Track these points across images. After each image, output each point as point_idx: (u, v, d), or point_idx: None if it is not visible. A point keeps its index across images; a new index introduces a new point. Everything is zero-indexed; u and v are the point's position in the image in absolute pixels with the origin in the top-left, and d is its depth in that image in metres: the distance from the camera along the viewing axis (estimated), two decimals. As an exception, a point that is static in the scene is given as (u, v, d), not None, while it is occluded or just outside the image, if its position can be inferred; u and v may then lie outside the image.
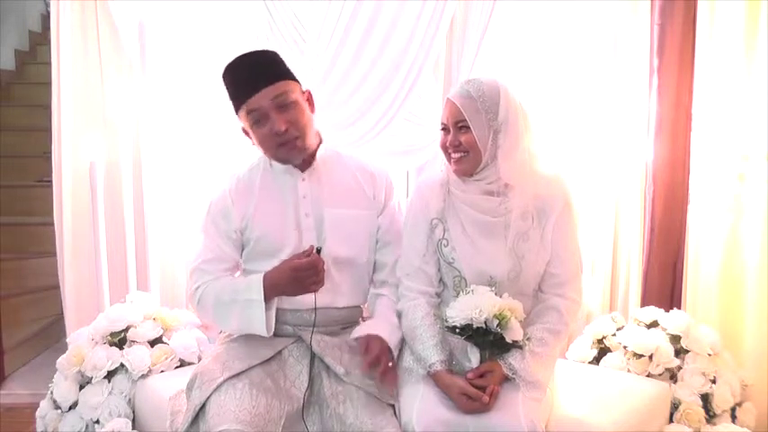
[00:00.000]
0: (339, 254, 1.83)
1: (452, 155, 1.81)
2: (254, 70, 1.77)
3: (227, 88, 1.80)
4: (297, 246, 1.82)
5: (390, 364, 1.73)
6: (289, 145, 1.78)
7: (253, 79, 1.75)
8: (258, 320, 1.74)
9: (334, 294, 1.85)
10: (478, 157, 1.78)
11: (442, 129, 1.83)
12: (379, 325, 1.82)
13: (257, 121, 1.76)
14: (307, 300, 1.78)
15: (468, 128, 1.76)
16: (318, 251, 1.72)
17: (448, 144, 1.80)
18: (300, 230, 1.83)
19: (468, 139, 1.76)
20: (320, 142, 1.88)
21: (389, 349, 1.77)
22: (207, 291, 1.82)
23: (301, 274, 1.71)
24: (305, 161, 1.86)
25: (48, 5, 4.38)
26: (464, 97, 1.76)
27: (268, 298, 1.74)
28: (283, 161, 1.84)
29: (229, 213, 1.85)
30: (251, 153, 1.93)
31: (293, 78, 1.82)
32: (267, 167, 1.89)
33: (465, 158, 1.79)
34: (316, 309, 1.78)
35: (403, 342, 1.84)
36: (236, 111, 1.80)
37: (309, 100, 1.85)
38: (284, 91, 1.76)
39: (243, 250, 1.88)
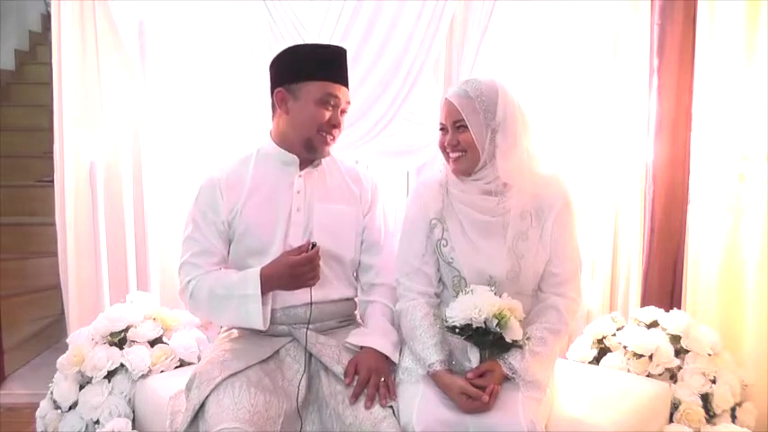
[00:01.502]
0: (326, 249, 1.84)
1: (450, 154, 1.81)
2: (345, 63, 1.88)
3: (314, 57, 1.84)
4: (283, 240, 1.83)
5: (383, 379, 1.73)
6: (326, 139, 1.86)
7: (346, 73, 1.88)
8: (254, 315, 1.74)
9: (326, 288, 1.86)
10: (476, 156, 1.78)
11: (441, 129, 1.84)
12: (372, 335, 1.82)
13: (326, 103, 1.82)
14: (300, 296, 1.78)
15: (465, 127, 1.76)
16: (313, 246, 1.72)
17: (446, 144, 1.81)
18: (289, 225, 1.85)
19: (466, 139, 1.77)
20: None
21: (385, 357, 1.78)
22: (199, 285, 1.82)
23: (298, 270, 1.72)
24: (306, 159, 1.89)
25: (48, 5, 4.39)
26: (462, 97, 1.77)
27: (264, 292, 1.75)
28: (307, 147, 1.86)
29: (218, 204, 1.86)
30: (251, 152, 1.94)
31: None
32: (261, 160, 1.91)
33: (463, 158, 1.79)
34: (312, 303, 1.79)
35: (403, 342, 1.84)
36: (307, 78, 1.82)
37: None
38: (350, 102, 1.90)
39: (230, 246, 1.89)
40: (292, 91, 1.83)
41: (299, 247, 1.75)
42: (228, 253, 1.89)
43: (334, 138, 1.87)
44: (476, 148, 1.77)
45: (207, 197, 1.88)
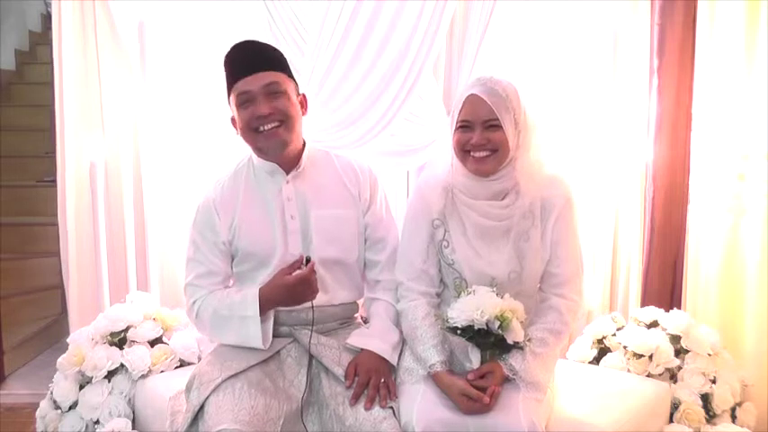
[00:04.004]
0: (328, 255, 1.84)
1: (474, 153, 1.76)
2: (252, 54, 1.80)
3: (225, 69, 1.81)
4: (284, 250, 1.82)
5: (383, 380, 1.73)
6: (268, 132, 1.78)
7: (248, 62, 1.78)
8: (254, 336, 1.76)
9: (328, 294, 1.85)
10: (505, 156, 1.76)
11: (462, 126, 1.77)
12: (372, 337, 1.82)
13: (243, 103, 1.77)
14: None
15: (497, 126, 1.73)
16: (308, 261, 1.73)
17: (473, 142, 1.75)
18: (287, 233, 1.83)
19: (498, 138, 1.73)
20: (304, 145, 1.90)
21: (385, 360, 1.78)
22: (203, 306, 1.83)
23: (295, 290, 1.74)
24: (289, 163, 1.86)
25: (48, 5, 4.39)
26: (493, 95, 1.72)
27: (263, 311, 1.76)
28: (263, 151, 1.82)
29: (215, 225, 1.85)
30: (244, 162, 1.94)
31: (290, 76, 1.85)
32: (251, 171, 1.89)
33: (491, 157, 1.76)
34: (313, 307, 1.79)
35: (404, 342, 1.84)
36: (228, 94, 1.81)
37: (303, 102, 1.87)
38: (276, 81, 1.78)
39: (233, 260, 1.88)
40: (230, 107, 1.83)
41: (293, 264, 1.76)
42: (232, 268, 1.89)
43: (273, 125, 1.77)
44: (506, 148, 1.74)
45: (204, 218, 1.87)
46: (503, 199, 1.81)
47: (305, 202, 1.85)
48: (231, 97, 1.81)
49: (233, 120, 1.85)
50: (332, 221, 1.86)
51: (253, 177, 1.88)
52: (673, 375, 2.14)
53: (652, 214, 2.54)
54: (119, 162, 2.55)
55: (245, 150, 1.94)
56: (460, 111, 1.77)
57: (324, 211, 1.86)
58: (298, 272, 1.73)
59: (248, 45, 1.81)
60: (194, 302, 1.85)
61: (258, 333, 1.75)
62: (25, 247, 3.96)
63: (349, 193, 1.91)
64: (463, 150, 1.78)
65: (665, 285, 2.56)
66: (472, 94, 1.75)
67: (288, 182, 1.85)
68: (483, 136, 1.74)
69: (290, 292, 1.74)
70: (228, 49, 1.81)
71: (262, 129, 1.77)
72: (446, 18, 2.40)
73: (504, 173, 1.79)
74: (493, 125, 1.73)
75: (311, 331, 1.79)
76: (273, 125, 1.77)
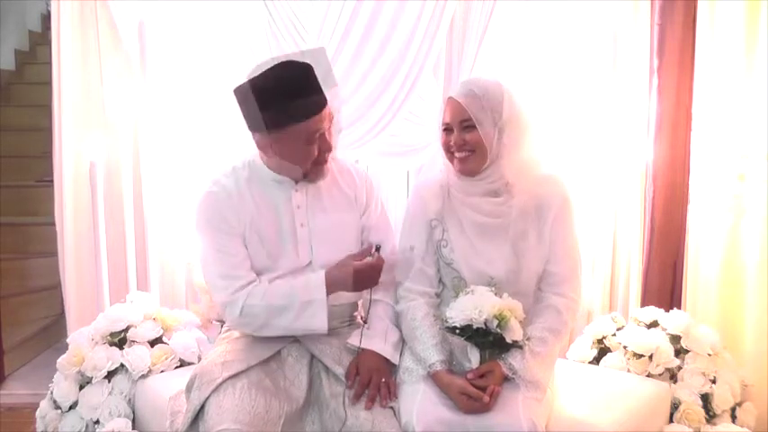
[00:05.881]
0: (330, 258, 1.82)
1: (456, 154, 1.80)
2: (311, 87, 1.71)
3: (281, 98, 1.68)
4: (294, 256, 1.82)
5: (384, 380, 1.73)
6: (322, 167, 1.80)
7: (314, 98, 1.71)
8: (318, 319, 1.74)
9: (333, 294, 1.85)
10: (484, 155, 1.77)
11: (445, 129, 1.82)
12: (373, 337, 1.82)
13: (312, 141, 1.73)
14: None
15: (473, 127, 1.75)
16: (377, 249, 1.75)
17: (452, 143, 1.79)
18: (297, 241, 1.82)
19: (474, 138, 1.76)
20: None
21: (386, 360, 1.78)
22: (250, 300, 1.74)
23: (362, 276, 1.75)
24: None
25: (48, 5, 4.39)
26: (468, 96, 1.75)
27: (328, 295, 1.76)
28: (307, 175, 1.81)
29: (225, 214, 1.80)
30: (249, 152, 1.93)
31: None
32: (254, 178, 1.85)
33: (471, 158, 1.78)
34: (370, 301, 1.82)
35: (403, 342, 1.84)
36: (284, 125, 1.69)
37: None
38: (332, 112, 1.78)
39: None
40: (271, 135, 1.72)
41: (362, 251, 1.77)
42: None
43: (328, 159, 1.80)
44: (484, 147, 1.76)
45: (215, 211, 1.80)
46: (497, 197, 1.82)
47: (312, 210, 1.85)
48: (289, 130, 1.70)
49: (259, 141, 1.76)
50: (333, 225, 1.86)
51: (258, 183, 1.84)
52: (673, 375, 2.14)
53: (652, 214, 2.54)
54: (119, 162, 2.56)
55: (245, 150, 1.94)
56: (443, 114, 1.82)
57: (326, 216, 1.85)
58: (368, 259, 1.75)
59: (300, 77, 1.70)
60: (234, 294, 1.75)
61: (324, 317, 1.74)
62: (25, 247, 3.97)
63: (346, 197, 1.90)
64: (448, 152, 1.83)
65: (665, 285, 2.56)
66: (450, 97, 1.80)
67: (297, 190, 1.84)
68: (460, 137, 1.77)
69: (357, 277, 1.75)
70: (292, 78, 1.69)
71: (323, 159, 1.79)
72: (446, 18, 2.41)
73: (489, 172, 1.80)
74: (469, 125, 1.76)
75: (362, 329, 1.80)
76: (328, 158, 1.80)
